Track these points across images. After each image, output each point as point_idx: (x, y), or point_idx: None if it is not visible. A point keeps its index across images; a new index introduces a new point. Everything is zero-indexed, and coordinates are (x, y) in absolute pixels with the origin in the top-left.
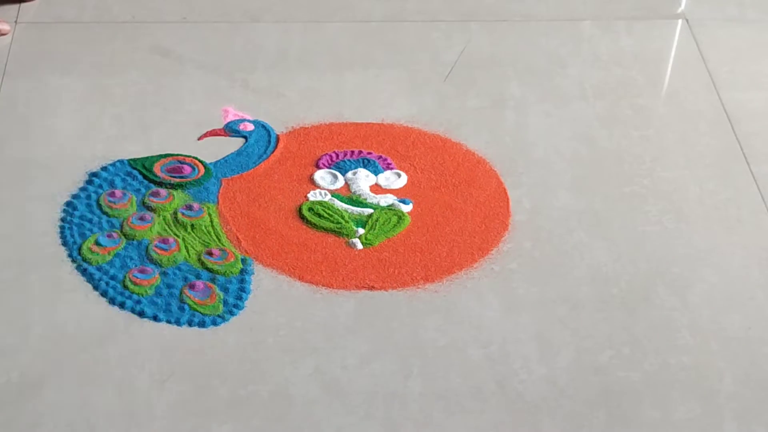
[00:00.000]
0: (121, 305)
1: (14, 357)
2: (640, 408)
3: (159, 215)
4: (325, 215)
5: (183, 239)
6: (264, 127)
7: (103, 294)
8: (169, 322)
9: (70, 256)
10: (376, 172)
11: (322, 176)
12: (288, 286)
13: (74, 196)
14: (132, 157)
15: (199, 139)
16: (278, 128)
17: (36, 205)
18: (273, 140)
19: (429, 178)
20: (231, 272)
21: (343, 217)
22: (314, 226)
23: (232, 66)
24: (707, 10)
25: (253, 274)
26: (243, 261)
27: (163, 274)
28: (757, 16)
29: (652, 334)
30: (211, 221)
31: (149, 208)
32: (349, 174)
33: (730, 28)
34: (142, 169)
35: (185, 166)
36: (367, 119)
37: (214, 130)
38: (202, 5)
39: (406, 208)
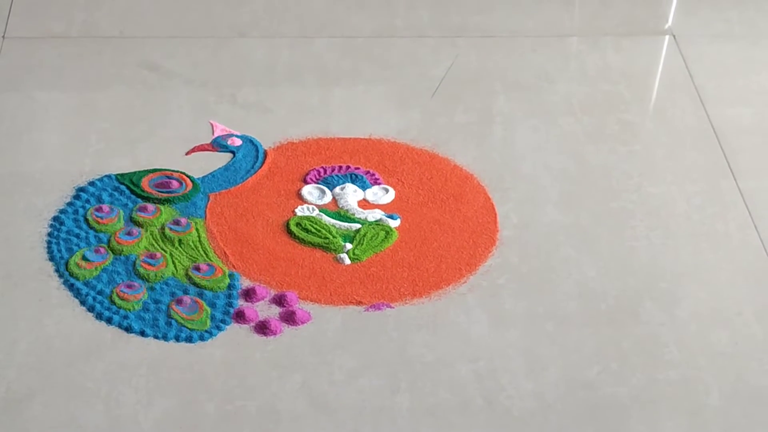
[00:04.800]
0: (108, 320)
1: (1, 372)
2: (627, 423)
3: (146, 230)
4: (313, 230)
5: (170, 254)
6: (252, 142)
7: (90, 309)
8: (156, 337)
9: (57, 271)
10: (363, 187)
11: (309, 191)
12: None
13: (61, 211)
14: (119, 172)
15: (186, 154)
16: (266, 143)
17: (23, 220)
18: (261, 155)
19: (417, 194)
20: (218, 287)
21: (330, 233)
22: (302, 241)
23: (219, 81)
24: (694, 27)
25: (241, 289)
26: (230, 276)
27: (151, 289)
28: (743, 32)
29: (639, 349)
30: (199, 236)
31: (137, 223)
32: (337, 189)
33: (717, 44)
34: (129, 184)
35: (173, 181)
36: (355, 134)
37: (201, 145)
38: (189, 20)
39: (394, 224)
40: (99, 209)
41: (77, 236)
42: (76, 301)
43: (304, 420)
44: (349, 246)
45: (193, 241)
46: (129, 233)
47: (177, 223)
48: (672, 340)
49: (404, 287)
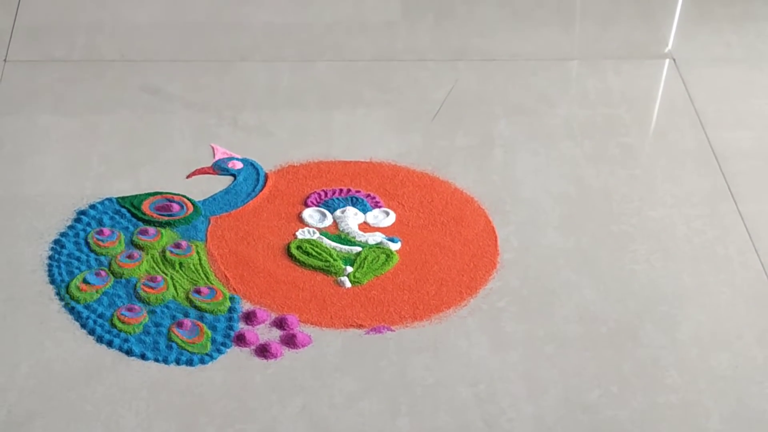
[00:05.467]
0: (109, 343)
1: (1, 395)
2: None
3: (147, 253)
4: (314, 253)
5: (171, 277)
6: (253, 165)
7: (91, 332)
8: (156, 360)
9: (57, 294)
10: (364, 211)
11: (310, 214)
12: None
13: (62, 234)
14: (120, 195)
15: (187, 177)
16: (267, 166)
17: (24, 243)
18: (261, 178)
19: (417, 217)
20: (219, 310)
21: (331, 256)
22: (302, 264)
23: (220, 104)
24: (694, 50)
25: (241, 312)
26: (231, 299)
27: (151, 312)
28: (743, 55)
29: (640, 372)
30: (200, 259)
31: (137, 246)
32: (338, 212)
33: (717, 67)
34: (130, 207)
35: (174, 204)
36: (356, 158)
37: (202, 168)
38: (191, 44)
39: (395, 247)
40: (100, 232)
41: (78, 259)
42: (77, 324)
43: None
44: (349, 269)
45: (193, 264)
46: (130, 256)
47: (178, 246)
48: (672, 363)
49: (405, 310)
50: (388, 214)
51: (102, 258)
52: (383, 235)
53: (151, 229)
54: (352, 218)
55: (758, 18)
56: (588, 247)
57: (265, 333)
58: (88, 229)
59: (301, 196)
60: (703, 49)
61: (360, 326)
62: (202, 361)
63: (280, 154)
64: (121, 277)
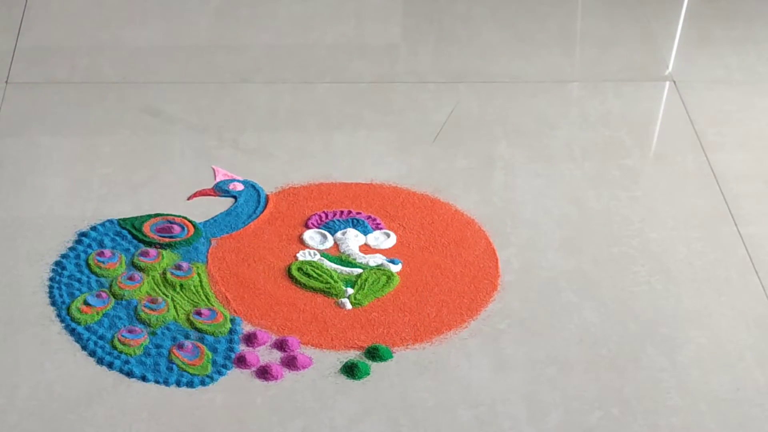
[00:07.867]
0: (110, 365)
1: (2, 417)
2: None
3: (148, 275)
4: (314, 275)
5: (172, 299)
6: (253, 187)
7: (92, 354)
8: (157, 382)
9: (58, 315)
10: (365, 232)
11: (311, 236)
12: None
13: (63, 256)
14: (121, 216)
15: (188, 198)
16: (268, 188)
17: (25, 265)
18: (262, 200)
19: (418, 238)
20: (220, 332)
21: (332, 277)
22: (303, 285)
23: (221, 126)
24: (694, 73)
25: (242, 333)
26: (232, 321)
27: (152, 333)
28: (743, 78)
29: (641, 394)
30: (200, 281)
31: (138, 268)
32: (339, 234)
33: (717, 90)
34: (131, 228)
35: (174, 226)
36: (357, 179)
37: (203, 189)
38: (192, 66)
39: (395, 268)
40: (101, 254)
41: (79, 281)
42: (78, 345)
43: None
44: (350, 291)
45: (194, 286)
46: (130, 278)
47: (178, 267)
48: (673, 385)
49: (405, 332)
50: (388, 235)
51: (103, 279)
52: (384, 257)
53: (152, 251)
54: (352, 240)
55: (758, 41)
56: (589, 269)
57: (265, 355)
58: (89, 250)
59: (302, 217)
60: (703, 72)
61: (361, 348)
62: (203, 383)
63: (280, 176)
64: (121, 299)
